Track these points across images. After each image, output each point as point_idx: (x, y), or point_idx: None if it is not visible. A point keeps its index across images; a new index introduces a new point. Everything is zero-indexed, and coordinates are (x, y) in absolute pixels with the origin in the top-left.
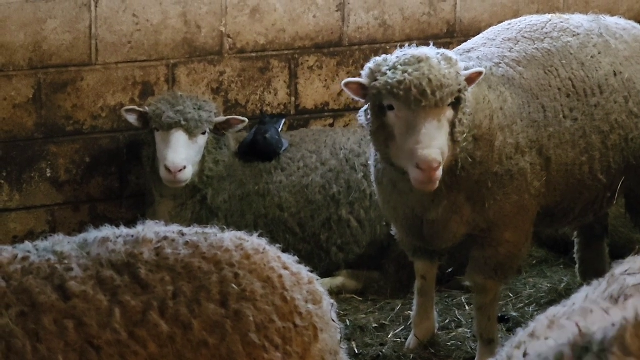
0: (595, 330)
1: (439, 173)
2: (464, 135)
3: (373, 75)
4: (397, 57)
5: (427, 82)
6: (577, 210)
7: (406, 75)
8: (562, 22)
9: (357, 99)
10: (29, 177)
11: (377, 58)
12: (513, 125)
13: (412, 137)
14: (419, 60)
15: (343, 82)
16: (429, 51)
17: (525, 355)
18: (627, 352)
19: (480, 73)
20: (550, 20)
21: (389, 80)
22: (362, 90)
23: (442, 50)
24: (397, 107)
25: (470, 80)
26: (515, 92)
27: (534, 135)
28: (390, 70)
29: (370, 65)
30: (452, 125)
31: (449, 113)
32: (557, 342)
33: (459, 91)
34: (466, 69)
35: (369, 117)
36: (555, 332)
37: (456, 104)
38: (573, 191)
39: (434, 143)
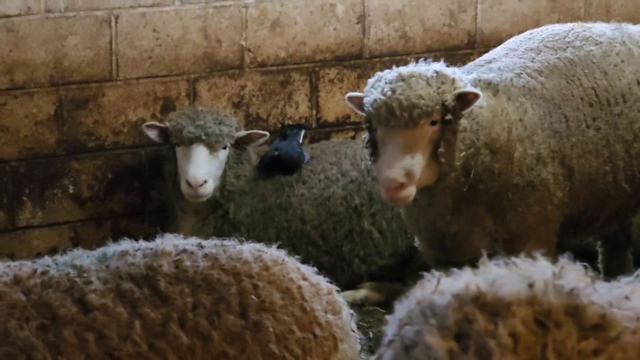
0: (440, 292)
1: (404, 193)
2: (455, 154)
3: (370, 90)
4: (390, 74)
5: (397, 103)
6: (601, 220)
7: (379, 94)
8: (584, 31)
9: (360, 112)
10: (52, 193)
11: (379, 73)
12: (534, 136)
13: (381, 155)
14: (401, 79)
15: (347, 96)
16: (421, 69)
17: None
18: (442, 325)
19: (476, 95)
20: (572, 29)
21: (368, 99)
22: (362, 104)
23: (442, 68)
24: (375, 125)
25: (467, 101)
26: (536, 102)
27: (556, 146)
28: (375, 88)
29: (371, 79)
30: (436, 144)
31: (432, 132)
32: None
33: (446, 111)
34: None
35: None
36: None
37: (444, 123)
38: (597, 201)
39: (397, 164)
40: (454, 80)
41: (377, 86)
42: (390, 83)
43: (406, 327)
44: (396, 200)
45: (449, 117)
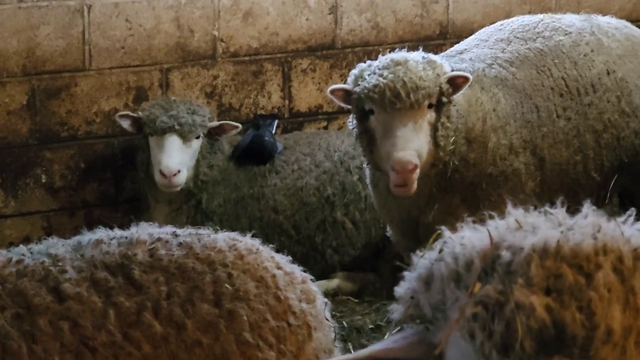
0: (505, 246)
1: (415, 175)
2: (450, 139)
3: (356, 81)
4: (379, 61)
5: (401, 85)
6: (572, 211)
7: (381, 79)
8: (554, 22)
9: (342, 105)
10: (24, 183)
11: (362, 64)
12: (506, 126)
13: (388, 140)
14: (397, 63)
15: (329, 89)
16: (412, 55)
17: (440, 251)
18: (529, 283)
19: (466, 78)
20: (542, 20)
21: (366, 85)
22: (347, 96)
23: (429, 55)
24: (376, 110)
25: (456, 85)
26: (508, 92)
27: (528, 136)
28: (369, 75)
29: (354, 71)
30: (434, 128)
31: (430, 116)
32: (471, 244)
33: (441, 94)
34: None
35: (354, 122)
36: (471, 232)
37: (439, 107)
38: (568, 190)
39: (409, 145)
40: (441, 65)
41: (369, 73)
42: (387, 68)
43: (483, 286)
44: (410, 182)
45: (444, 99)
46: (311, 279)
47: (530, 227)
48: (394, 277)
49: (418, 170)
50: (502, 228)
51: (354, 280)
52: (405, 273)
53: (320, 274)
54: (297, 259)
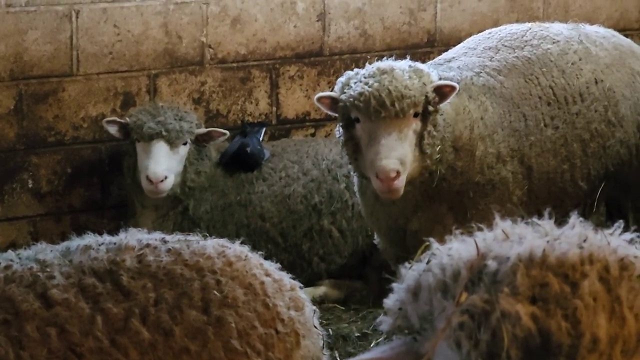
0: (491, 256)
1: (399, 182)
2: (436, 147)
3: (343, 88)
4: (366, 70)
5: (386, 93)
6: (559, 221)
7: (366, 87)
8: (541, 30)
9: (329, 112)
10: (11, 188)
11: (349, 72)
12: (494, 135)
13: (373, 147)
14: (383, 72)
15: (316, 97)
16: (398, 63)
17: (428, 262)
18: (515, 291)
19: (452, 87)
20: (530, 29)
21: (352, 93)
22: (333, 104)
23: (415, 63)
24: (361, 119)
25: (443, 94)
26: (496, 101)
27: (515, 144)
28: (355, 83)
29: (341, 79)
30: (420, 137)
31: (416, 124)
32: (458, 255)
33: (427, 103)
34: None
35: (340, 130)
36: (459, 244)
37: (425, 115)
38: (555, 199)
39: (392, 154)
40: (428, 74)
41: (355, 82)
42: (373, 77)
43: (469, 296)
44: (393, 189)
45: (431, 108)
46: (300, 287)
47: (517, 237)
48: (381, 284)
49: (402, 178)
50: (489, 239)
51: (341, 287)
52: (394, 285)
53: (307, 282)
54: (283, 267)
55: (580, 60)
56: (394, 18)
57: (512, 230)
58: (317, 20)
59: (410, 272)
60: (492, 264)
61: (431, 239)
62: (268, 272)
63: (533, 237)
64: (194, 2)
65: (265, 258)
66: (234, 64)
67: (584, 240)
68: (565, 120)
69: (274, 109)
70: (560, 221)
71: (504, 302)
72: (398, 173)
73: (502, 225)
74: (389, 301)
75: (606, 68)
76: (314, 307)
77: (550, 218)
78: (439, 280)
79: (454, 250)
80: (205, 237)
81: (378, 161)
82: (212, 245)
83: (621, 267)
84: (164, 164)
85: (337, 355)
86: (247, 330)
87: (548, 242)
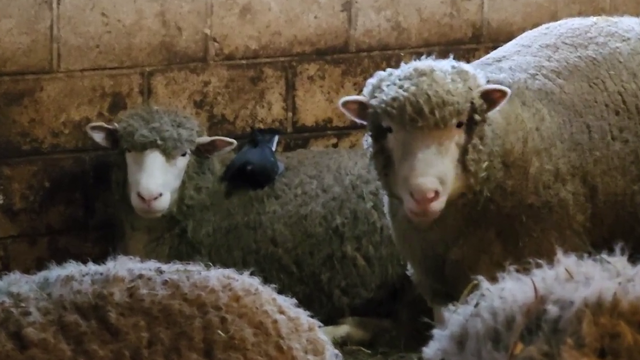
0: (552, 300)
1: (438, 204)
2: (482, 164)
3: (373, 92)
4: (401, 70)
5: (425, 99)
6: (628, 250)
7: (401, 91)
8: (609, 26)
9: (356, 120)
10: None
11: (381, 72)
12: (551, 149)
13: (407, 162)
14: (421, 73)
15: (340, 102)
16: (440, 63)
17: (477, 305)
18: (580, 343)
19: (503, 93)
20: (595, 24)
21: (384, 98)
22: (362, 109)
23: (460, 64)
24: (394, 128)
25: (492, 101)
26: (554, 109)
27: (577, 160)
28: (387, 85)
29: (372, 80)
30: (464, 151)
31: (459, 136)
32: (512, 298)
33: (473, 111)
34: (496, 83)
35: (369, 140)
36: (513, 283)
37: (470, 126)
38: (623, 226)
39: (431, 170)
40: (474, 76)
41: (388, 84)
42: (409, 79)
43: (525, 347)
44: (429, 213)
45: (477, 117)
46: (319, 326)
47: (582, 277)
48: (414, 324)
49: (442, 199)
50: (550, 278)
51: (366, 327)
52: (435, 331)
53: (326, 320)
54: (299, 301)
55: None
56: (433, 8)
57: (576, 269)
58: (342, 11)
59: (454, 317)
60: (552, 309)
61: (480, 277)
62: (282, 308)
63: (602, 277)
64: None
65: (279, 291)
66: (243, 61)
67: None
68: (636, 132)
69: (290, 114)
70: (635, 257)
71: (567, 355)
72: (437, 193)
73: (565, 262)
74: (429, 350)
75: None
76: (336, 351)
77: (622, 254)
78: (489, 327)
79: (507, 291)
80: (208, 266)
81: (413, 178)
82: (216, 276)
83: None
84: (158, 179)
85: None
86: None
87: (620, 283)
